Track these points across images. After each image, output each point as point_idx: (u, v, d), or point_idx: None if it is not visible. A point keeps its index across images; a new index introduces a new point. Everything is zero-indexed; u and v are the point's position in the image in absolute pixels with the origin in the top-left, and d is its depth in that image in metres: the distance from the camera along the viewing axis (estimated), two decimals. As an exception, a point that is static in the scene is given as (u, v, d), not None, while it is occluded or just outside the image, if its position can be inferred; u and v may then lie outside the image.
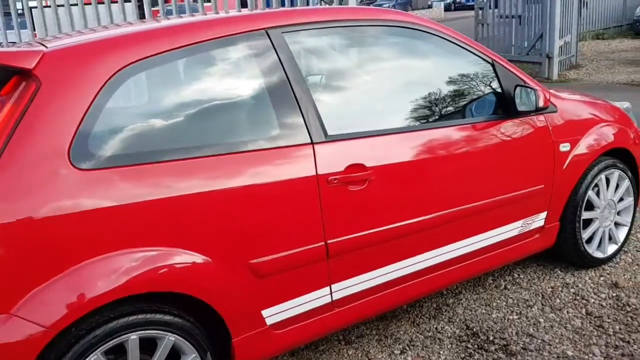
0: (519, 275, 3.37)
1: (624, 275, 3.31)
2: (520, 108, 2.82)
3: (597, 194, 3.32)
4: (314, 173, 2.29)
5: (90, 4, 6.77)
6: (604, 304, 3.03)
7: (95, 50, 2.03)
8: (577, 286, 3.21)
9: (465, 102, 2.87)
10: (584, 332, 2.80)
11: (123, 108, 2.10)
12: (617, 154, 3.39)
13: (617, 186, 3.41)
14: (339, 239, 2.37)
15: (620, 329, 2.80)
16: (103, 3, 6.90)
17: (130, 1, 6.95)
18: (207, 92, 2.24)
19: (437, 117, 2.76)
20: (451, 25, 3.81)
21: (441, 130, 2.69)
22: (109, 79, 1.99)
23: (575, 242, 3.26)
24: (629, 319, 2.88)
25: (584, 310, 2.98)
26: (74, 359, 1.85)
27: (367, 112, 2.59)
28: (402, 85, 2.77)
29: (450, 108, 2.84)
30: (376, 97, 2.67)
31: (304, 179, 2.27)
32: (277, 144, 2.25)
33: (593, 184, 3.25)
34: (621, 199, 3.47)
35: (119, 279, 1.91)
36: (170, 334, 2.05)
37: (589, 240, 3.35)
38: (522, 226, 3.04)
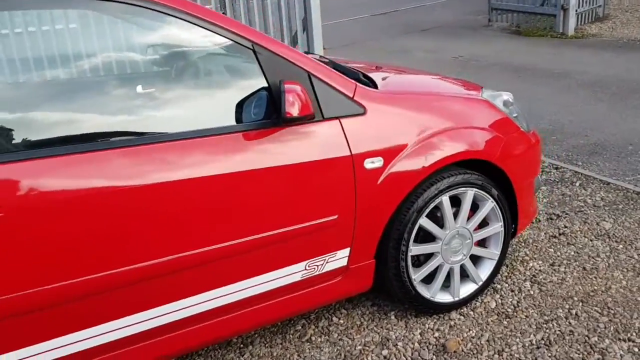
0: (339, 319, 2.60)
1: (469, 330, 2.48)
2: (287, 113, 1.99)
3: (439, 220, 2.47)
4: None
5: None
6: (414, 378, 2.24)
7: None
8: (397, 346, 2.41)
9: (207, 107, 2.07)
10: None
11: None
12: (483, 168, 2.52)
13: (478, 208, 2.55)
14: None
15: None
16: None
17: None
18: None
19: (151, 128, 1.97)
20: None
21: (153, 147, 1.90)
22: None
23: (402, 284, 2.45)
24: (429, 409, 2.09)
25: (379, 388, 2.21)
26: None
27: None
28: (86, 84, 1.99)
29: (178, 115, 2.04)
30: (25, 103, 1.90)
31: None
32: None
33: (429, 209, 2.40)
34: (486, 224, 2.61)
35: None
36: None
37: (430, 279, 2.53)
38: (306, 269, 2.25)
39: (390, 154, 2.26)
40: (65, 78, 2.02)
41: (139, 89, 2.25)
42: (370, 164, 2.23)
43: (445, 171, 2.41)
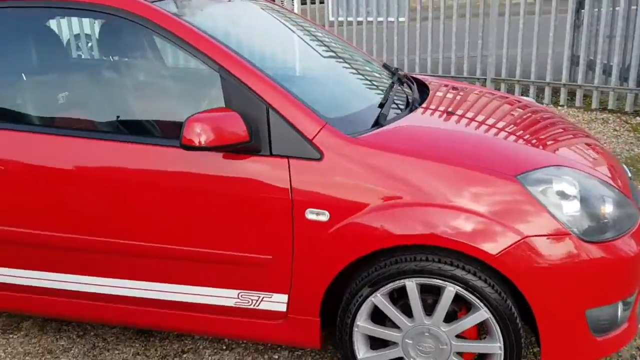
0: (311, 367, 2.43)
1: None
2: (185, 140, 1.96)
3: (406, 308, 2.04)
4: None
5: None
6: None
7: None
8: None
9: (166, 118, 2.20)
10: None
11: None
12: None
13: (470, 312, 2.00)
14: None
15: None
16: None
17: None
18: None
19: (114, 128, 2.26)
20: None
21: (114, 144, 2.17)
22: None
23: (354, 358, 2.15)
24: None
25: None
26: None
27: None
28: (72, 82, 2.35)
29: (143, 120, 2.25)
30: (30, 90, 2.37)
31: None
32: None
33: (388, 288, 2.01)
34: (484, 338, 2.02)
35: None
36: None
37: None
38: (239, 298, 2.20)
39: (339, 210, 1.99)
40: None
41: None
42: (313, 215, 2.01)
43: (416, 252, 1.97)
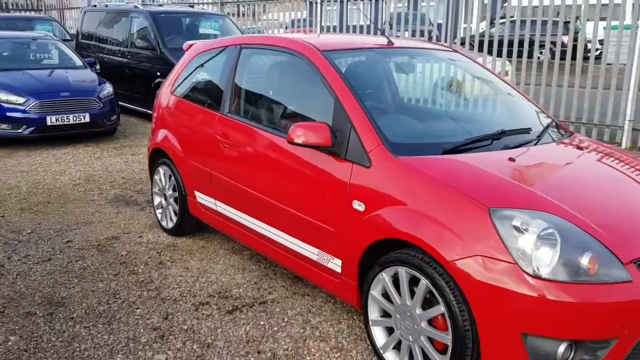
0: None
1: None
2: (288, 137, 3.04)
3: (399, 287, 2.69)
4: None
5: None
6: (301, 365, 2.87)
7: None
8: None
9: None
10: None
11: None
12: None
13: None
14: (214, 172, 3.92)
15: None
16: None
17: None
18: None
19: (272, 124, 3.52)
20: None
21: (270, 135, 3.45)
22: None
23: (367, 325, 2.87)
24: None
25: None
26: None
27: (255, 106, 3.76)
28: (270, 97, 3.78)
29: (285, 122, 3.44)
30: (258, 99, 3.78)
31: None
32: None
33: (391, 270, 2.70)
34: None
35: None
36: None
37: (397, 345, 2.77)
38: (318, 255, 3.14)
39: (370, 204, 2.77)
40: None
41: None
42: (356, 205, 2.84)
43: (409, 247, 2.60)
